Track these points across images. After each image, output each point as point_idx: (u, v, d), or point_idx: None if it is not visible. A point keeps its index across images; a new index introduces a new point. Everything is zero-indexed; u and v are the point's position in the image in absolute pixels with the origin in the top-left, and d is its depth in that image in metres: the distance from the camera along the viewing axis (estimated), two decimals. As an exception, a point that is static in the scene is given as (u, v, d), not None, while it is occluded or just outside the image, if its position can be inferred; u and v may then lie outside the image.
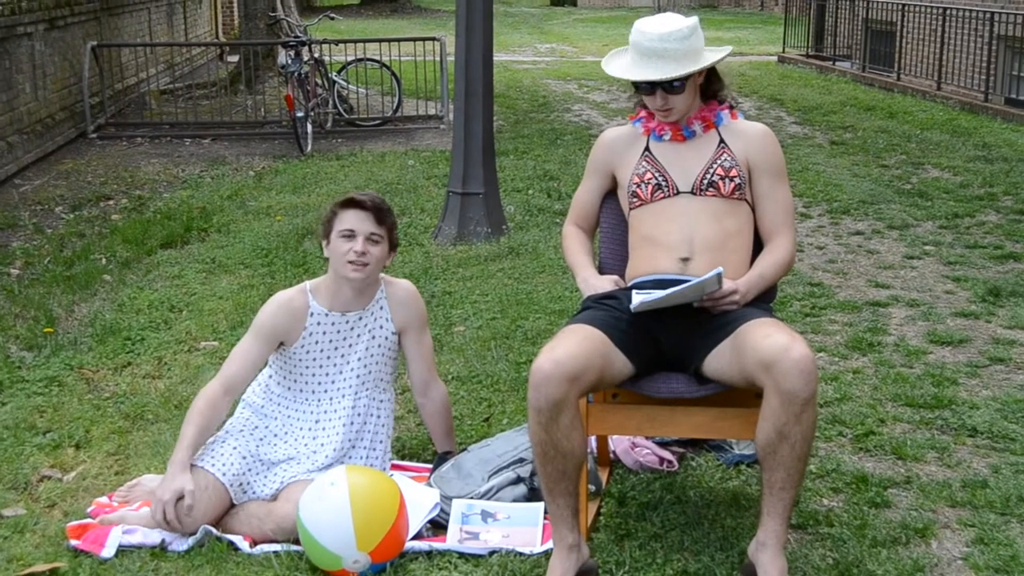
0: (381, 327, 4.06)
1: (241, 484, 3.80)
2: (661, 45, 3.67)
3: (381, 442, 4.07)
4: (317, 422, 3.99)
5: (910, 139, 11.82)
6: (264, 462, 3.89)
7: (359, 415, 4.01)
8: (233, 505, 3.79)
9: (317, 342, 3.98)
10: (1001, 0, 14.31)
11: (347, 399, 4.00)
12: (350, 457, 3.98)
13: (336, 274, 3.97)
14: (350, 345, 4.02)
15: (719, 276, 3.46)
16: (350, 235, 3.90)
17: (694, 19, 3.75)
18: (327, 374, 4.01)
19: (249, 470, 3.84)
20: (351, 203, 3.92)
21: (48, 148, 11.30)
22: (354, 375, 4.02)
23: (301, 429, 3.99)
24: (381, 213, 3.94)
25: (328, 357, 4.00)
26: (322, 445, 3.94)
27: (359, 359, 4.02)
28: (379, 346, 4.06)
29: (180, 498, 3.65)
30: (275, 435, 3.97)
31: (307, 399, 4.02)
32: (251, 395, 4.07)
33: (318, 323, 3.97)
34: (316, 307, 3.98)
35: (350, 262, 3.89)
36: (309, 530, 3.49)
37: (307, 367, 4.00)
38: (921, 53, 15.78)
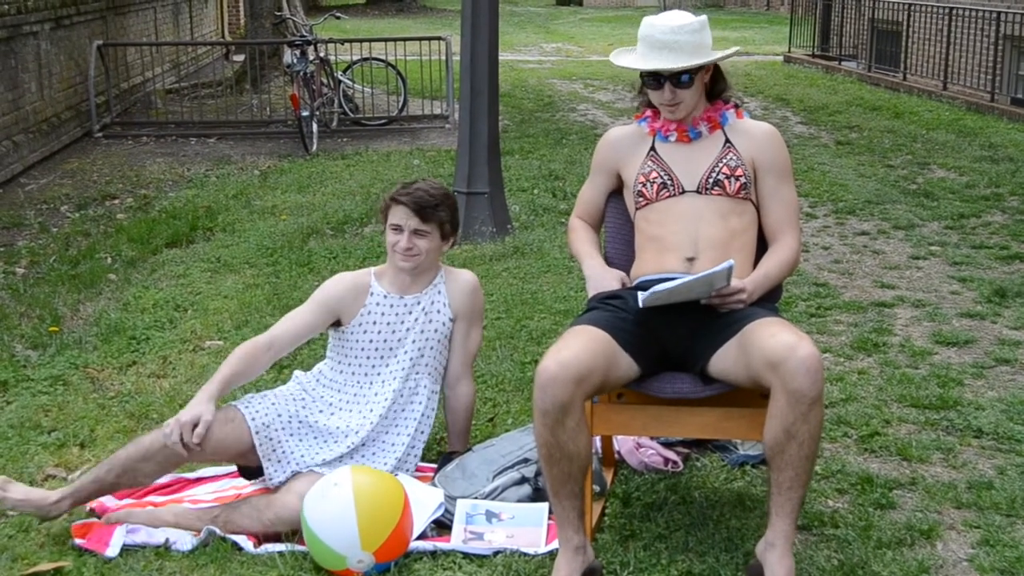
0: (439, 311, 4.11)
1: (269, 436, 3.84)
2: (672, 37, 3.68)
3: (423, 432, 4.07)
4: (365, 402, 4.04)
5: (916, 139, 11.80)
6: (303, 423, 3.93)
7: (403, 396, 4.04)
8: (252, 474, 3.89)
9: (375, 322, 4.05)
10: (1008, 0, 14.28)
11: (396, 382, 4.04)
12: (386, 437, 4.01)
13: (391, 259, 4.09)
14: (407, 328, 4.07)
15: (730, 270, 3.46)
16: (397, 229, 4.01)
17: (703, 17, 3.77)
18: (381, 356, 4.07)
19: (282, 429, 3.88)
20: (396, 200, 4.02)
21: (54, 147, 11.31)
22: (407, 357, 4.06)
23: (344, 407, 4.03)
24: (424, 212, 4.00)
25: (385, 340, 4.06)
26: (360, 423, 3.98)
27: (413, 341, 4.07)
28: (435, 331, 4.10)
29: (195, 427, 3.71)
30: (320, 410, 4.02)
31: (359, 382, 4.08)
32: (303, 377, 4.13)
33: (377, 303, 4.06)
34: (377, 288, 4.09)
35: (398, 252, 4.01)
36: (313, 529, 3.49)
37: (362, 348, 4.06)
38: (927, 53, 15.76)
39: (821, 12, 19.94)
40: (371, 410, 4.01)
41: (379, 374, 4.07)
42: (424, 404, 4.08)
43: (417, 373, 4.08)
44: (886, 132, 12.29)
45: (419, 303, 4.10)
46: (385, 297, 4.08)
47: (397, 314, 4.08)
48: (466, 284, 4.19)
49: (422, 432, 4.09)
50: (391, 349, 4.07)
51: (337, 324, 4.09)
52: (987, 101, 13.75)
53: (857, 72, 17.59)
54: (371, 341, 4.07)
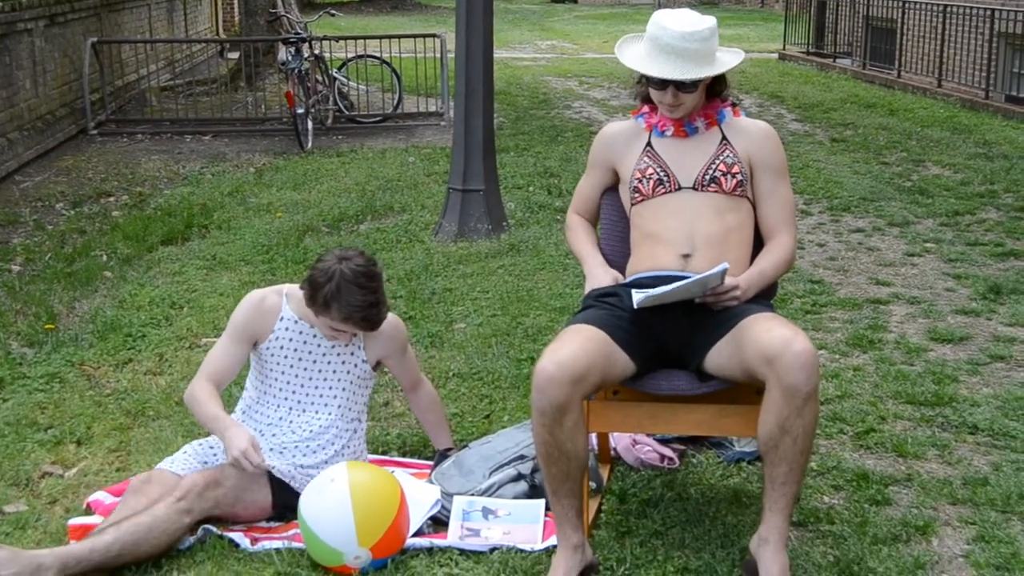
0: (352, 354, 4.01)
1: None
2: (682, 44, 3.64)
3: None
4: (269, 425, 3.98)
5: (911, 136, 11.82)
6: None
7: (312, 434, 3.96)
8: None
9: (282, 347, 3.96)
10: (1002, -3, 14.31)
11: (307, 414, 3.98)
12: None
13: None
14: (314, 361, 3.97)
15: (723, 272, 3.47)
16: (339, 331, 3.88)
17: (713, 20, 3.72)
18: (288, 382, 3.98)
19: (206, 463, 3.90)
20: (350, 320, 3.79)
21: (49, 145, 11.29)
22: (317, 393, 3.99)
23: (258, 428, 3.99)
24: (376, 326, 3.88)
25: (291, 366, 3.97)
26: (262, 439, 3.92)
27: (326, 380, 3.99)
28: (348, 372, 4.01)
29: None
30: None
31: (270, 402, 4.00)
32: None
33: (287, 328, 3.96)
34: (287, 312, 3.97)
35: (330, 335, 3.92)
36: (310, 525, 3.49)
37: (271, 370, 3.99)
38: (922, 50, 15.78)
39: (816, 9, 19.95)
40: (273, 435, 3.95)
41: (286, 399, 3.97)
42: (338, 446, 3.97)
43: (330, 414, 3.98)
44: (881, 129, 12.30)
45: (331, 343, 3.98)
46: (296, 323, 3.95)
47: (306, 343, 3.96)
48: (385, 331, 4.01)
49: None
50: (297, 376, 3.97)
51: (256, 343, 3.99)
52: (981, 98, 13.76)
53: (852, 69, 17.60)
54: (279, 364, 3.97)
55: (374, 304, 3.80)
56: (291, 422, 3.98)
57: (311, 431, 3.96)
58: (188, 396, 3.92)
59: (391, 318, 4.07)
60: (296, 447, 3.92)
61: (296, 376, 3.98)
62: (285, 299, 3.99)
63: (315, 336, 3.97)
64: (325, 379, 3.99)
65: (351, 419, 4.04)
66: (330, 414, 3.99)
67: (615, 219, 4.01)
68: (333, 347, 3.99)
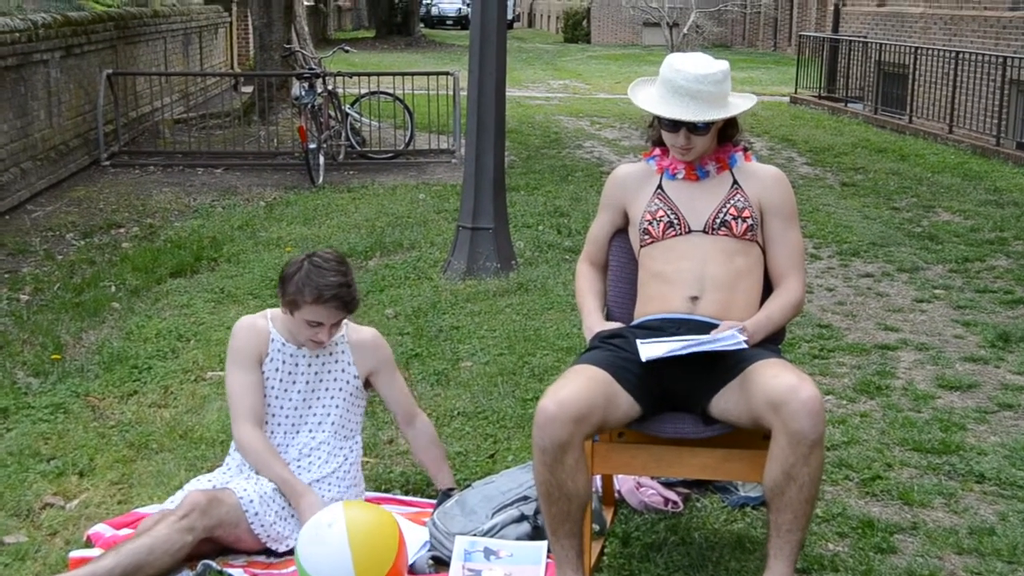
0: (343, 370, 4.03)
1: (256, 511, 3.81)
2: (696, 86, 3.67)
3: (332, 485, 3.98)
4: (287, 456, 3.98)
5: (921, 182, 11.82)
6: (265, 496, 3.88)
7: (301, 454, 3.97)
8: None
9: (277, 369, 3.98)
10: (1014, 45, 14.34)
11: (301, 435, 3.99)
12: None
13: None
14: (307, 382, 3.99)
15: (738, 340, 3.43)
16: (316, 324, 3.88)
17: (726, 64, 3.75)
18: (282, 406, 3.99)
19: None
20: (321, 300, 3.81)
21: (61, 175, 11.34)
22: (311, 413, 4.00)
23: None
24: (350, 306, 3.89)
25: (285, 389, 3.99)
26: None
27: (319, 399, 4.00)
28: (340, 389, 4.03)
29: None
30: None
31: (264, 427, 3.99)
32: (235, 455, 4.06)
33: (278, 350, 3.99)
34: (276, 335, 4.00)
35: (311, 340, 3.92)
36: (308, 572, 3.44)
37: (266, 394, 3.99)
38: (933, 96, 15.81)
39: (828, 54, 20.02)
40: (286, 452, 3.96)
41: (280, 424, 3.98)
42: (333, 464, 3.98)
43: (324, 431, 3.99)
44: (891, 174, 12.31)
45: (318, 357, 4.00)
46: (284, 345, 3.98)
47: (297, 364, 3.99)
48: (370, 342, 4.07)
49: (334, 484, 3.97)
50: (291, 400, 3.98)
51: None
52: (992, 145, 13.78)
53: (863, 114, 17.64)
54: (272, 388, 3.98)
55: (344, 284, 3.84)
56: (288, 446, 3.98)
57: (300, 451, 3.97)
58: (245, 447, 3.89)
59: (372, 332, 4.14)
60: (289, 465, 3.92)
61: (290, 399, 4.00)
62: (271, 322, 4.03)
63: (304, 356, 4.00)
64: (318, 397, 4.01)
65: (344, 437, 4.05)
66: (324, 431, 4.00)
67: (624, 261, 4.01)
68: (324, 364, 4.01)
